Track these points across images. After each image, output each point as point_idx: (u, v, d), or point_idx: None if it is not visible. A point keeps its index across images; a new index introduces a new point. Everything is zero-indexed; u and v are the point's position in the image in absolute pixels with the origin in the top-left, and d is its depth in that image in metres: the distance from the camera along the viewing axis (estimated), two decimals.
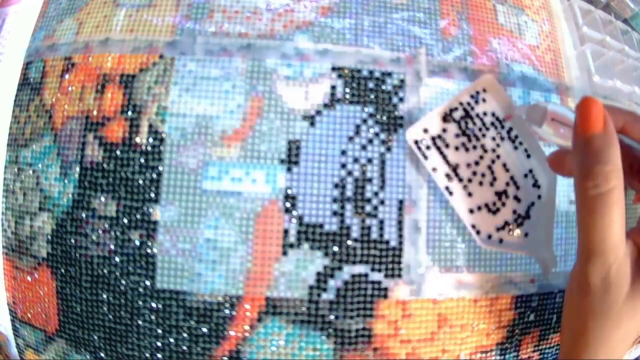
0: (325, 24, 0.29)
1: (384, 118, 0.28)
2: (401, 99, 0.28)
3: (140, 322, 0.27)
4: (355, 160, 0.27)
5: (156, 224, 0.26)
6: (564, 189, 0.30)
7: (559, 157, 0.24)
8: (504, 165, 0.27)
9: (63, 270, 0.28)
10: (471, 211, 0.27)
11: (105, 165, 0.27)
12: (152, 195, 0.27)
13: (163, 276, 0.26)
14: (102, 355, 0.28)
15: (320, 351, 0.26)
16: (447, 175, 0.27)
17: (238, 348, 0.26)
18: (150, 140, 0.27)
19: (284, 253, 0.26)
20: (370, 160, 0.27)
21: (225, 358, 0.27)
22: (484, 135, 0.27)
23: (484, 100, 0.27)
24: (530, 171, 0.27)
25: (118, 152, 0.27)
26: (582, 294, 0.21)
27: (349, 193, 0.27)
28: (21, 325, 0.30)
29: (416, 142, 0.27)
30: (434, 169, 0.27)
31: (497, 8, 0.32)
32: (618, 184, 0.19)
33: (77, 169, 0.28)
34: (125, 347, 0.27)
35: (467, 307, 0.28)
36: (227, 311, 0.26)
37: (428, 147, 0.27)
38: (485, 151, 0.27)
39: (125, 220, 0.27)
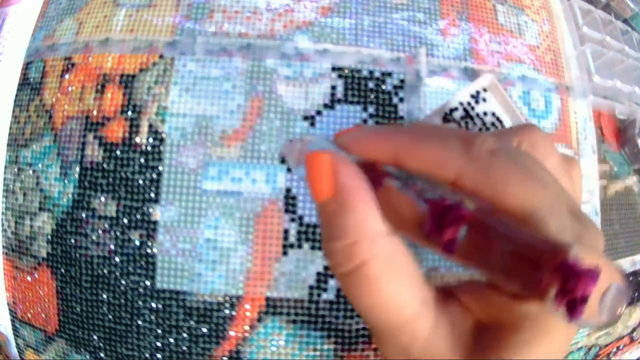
0: (325, 24, 0.29)
1: (384, 118, 0.28)
2: (401, 99, 0.28)
3: (140, 322, 0.27)
4: None
5: (156, 224, 0.26)
6: None
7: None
8: None
9: (63, 270, 0.28)
10: None
11: (105, 165, 0.27)
12: (152, 195, 0.27)
13: (163, 276, 0.26)
14: (102, 355, 0.28)
15: (320, 351, 0.26)
16: None
17: (238, 348, 0.26)
18: (150, 140, 0.27)
19: (284, 253, 0.26)
20: None
21: (225, 358, 0.27)
22: None
23: (484, 100, 0.27)
24: None
25: (118, 152, 0.27)
26: None
27: None
28: (21, 325, 0.30)
29: None
30: None
31: (497, 8, 0.32)
32: (370, 255, 0.13)
33: (77, 169, 0.28)
34: (125, 347, 0.27)
35: None
36: (227, 311, 0.26)
37: None
38: None
39: (125, 220, 0.27)
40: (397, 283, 0.14)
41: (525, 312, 0.13)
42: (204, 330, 0.26)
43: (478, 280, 0.15)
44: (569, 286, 0.10)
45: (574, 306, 0.10)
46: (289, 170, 0.27)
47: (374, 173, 0.15)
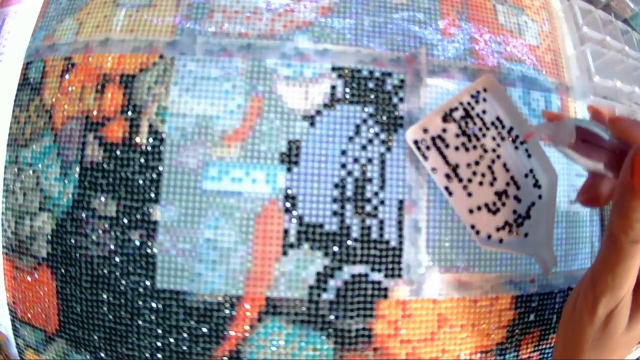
0: (325, 24, 0.29)
1: (384, 118, 0.28)
2: (401, 99, 0.28)
3: (140, 322, 0.27)
4: (355, 160, 0.27)
5: (156, 224, 0.26)
6: (565, 189, 0.30)
7: (590, 191, 0.24)
8: (504, 165, 0.27)
9: (63, 270, 0.28)
10: (471, 211, 0.26)
11: (105, 165, 0.27)
12: (152, 195, 0.27)
13: (163, 276, 0.26)
14: (102, 355, 0.28)
15: (320, 351, 0.26)
16: (447, 176, 0.27)
17: (238, 348, 0.26)
18: (150, 140, 0.27)
19: (284, 253, 0.26)
20: (370, 160, 0.27)
21: (225, 358, 0.27)
22: (484, 135, 0.27)
23: (484, 100, 0.27)
24: (531, 171, 0.27)
25: (118, 152, 0.27)
26: (585, 318, 0.22)
27: (349, 193, 0.27)
28: (21, 325, 0.30)
29: (416, 143, 0.27)
30: (434, 169, 0.27)
31: (497, 8, 0.32)
32: None
33: (77, 169, 0.28)
34: (125, 347, 0.27)
35: (467, 307, 0.28)
36: (227, 311, 0.26)
37: (428, 148, 0.27)
38: (486, 151, 0.27)
39: (125, 220, 0.27)
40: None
41: None
42: (204, 330, 0.26)
43: None
44: None
45: None
46: (289, 170, 0.27)
47: None
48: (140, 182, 0.27)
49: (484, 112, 0.27)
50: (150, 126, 0.27)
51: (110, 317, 0.27)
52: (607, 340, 0.22)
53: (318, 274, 0.26)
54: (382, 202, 0.27)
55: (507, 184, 0.27)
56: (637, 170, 0.19)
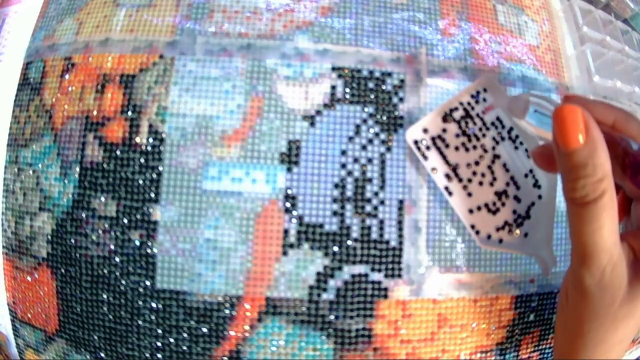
0: (325, 24, 0.29)
1: (384, 118, 0.28)
2: (401, 99, 0.28)
3: (140, 322, 0.27)
4: (355, 160, 0.27)
5: (156, 224, 0.26)
6: None
7: (543, 153, 0.23)
8: (504, 165, 0.27)
9: (63, 270, 0.28)
10: (471, 211, 0.27)
11: (105, 165, 0.27)
12: (152, 195, 0.27)
13: (163, 276, 0.26)
14: (102, 355, 0.28)
15: (320, 351, 0.26)
16: (447, 176, 0.27)
17: (238, 348, 0.26)
18: (150, 140, 0.27)
19: (284, 253, 0.26)
20: (370, 160, 0.27)
21: (225, 358, 0.27)
22: (484, 135, 0.27)
23: (484, 100, 0.27)
24: (531, 171, 0.27)
25: (118, 152, 0.27)
26: (578, 297, 0.21)
27: (349, 193, 0.27)
28: (21, 325, 0.30)
29: (416, 143, 0.27)
30: (434, 169, 0.27)
31: (497, 8, 0.32)
32: (607, 188, 0.19)
33: (77, 169, 0.28)
34: (125, 347, 0.27)
35: (467, 307, 0.28)
36: (227, 311, 0.26)
37: (428, 148, 0.27)
38: (486, 151, 0.27)
39: (125, 220, 0.27)
40: (612, 214, 0.19)
41: None
42: (204, 330, 0.26)
43: None
44: None
45: None
46: (289, 170, 0.27)
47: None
48: (140, 182, 0.27)
49: (484, 112, 0.27)
50: (150, 126, 0.27)
51: (110, 317, 0.27)
52: (605, 313, 0.20)
53: (318, 274, 0.26)
54: (382, 202, 0.27)
55: (507, 184, 0.27)
56: (562, 132, 0.19)
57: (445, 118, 0.27)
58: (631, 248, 0.21)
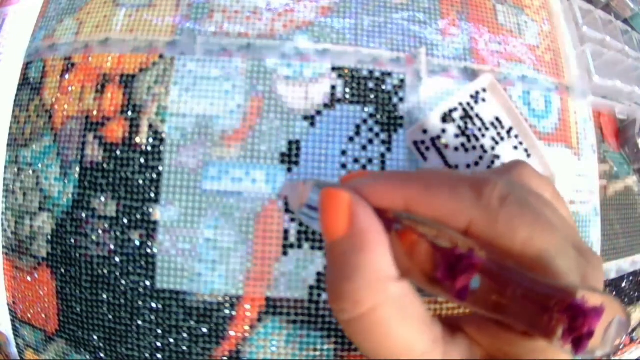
0: (325, 24, 0.29)
1: (384, 118, 0.28)
2: (401, 99, 0.28)
3: (140, 322, 0.27)
4: (356, 160, 0.27)
5: (156, 224, 0.26)
6: (564, 189, 0.30)
7: None
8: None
9: (63, 270, 0.28)
10: None
11: (105, 165, 0.27)
12: (152, 195, 0.27)
13: (163, 276, 0.26)
14: (102, 355, 0.28)
15: (320, 351, 0.26)
16: None
17: (238, 348, 0.26)
18: (150, 140, 0.27)
19: (284, 253, 0.26)
20: (370, 160, 0.27)
21: (225, 358, 0.27)
22: (483, 136, 0.27)
23: (483, 100, 0.27)
24: None
25: (118, 152, 0.27)
26: None
27: None
28: (21, 325, 0.30)
29: (415, 143, 0.27)
30: None
31: (497, 8, 0.32)
32: (381, 300, 0.13)
33: (77, 169, 0.28)
34: (125, 347, 0.27)
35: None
36: (227, 311, 0.26)
37: (427, 148, 0.27)
38: (485, 151, 0.27)
39: (125, 220, 0.27)
40: (406, 326, 0.14)
41: (533, 348, 0.13)
42: (204, 330, 0.26)
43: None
44: (576, 325, 0.11)
45: (580, 341, 0.11)
46: (289, 170, 0.27)
47: (383, 218, 0.14)
48: (140, 182, 0.27)
49: (483, 112, 0.27)
50: (150, 126, 0.27)
51: (110, 317, 0.27)
52: None
53: (318, 274, 0.26)
54: None
55: None
56: (322, 218, 0.15)
57: (445, 118, 0.27)
58: (473, 341, 0.15)
